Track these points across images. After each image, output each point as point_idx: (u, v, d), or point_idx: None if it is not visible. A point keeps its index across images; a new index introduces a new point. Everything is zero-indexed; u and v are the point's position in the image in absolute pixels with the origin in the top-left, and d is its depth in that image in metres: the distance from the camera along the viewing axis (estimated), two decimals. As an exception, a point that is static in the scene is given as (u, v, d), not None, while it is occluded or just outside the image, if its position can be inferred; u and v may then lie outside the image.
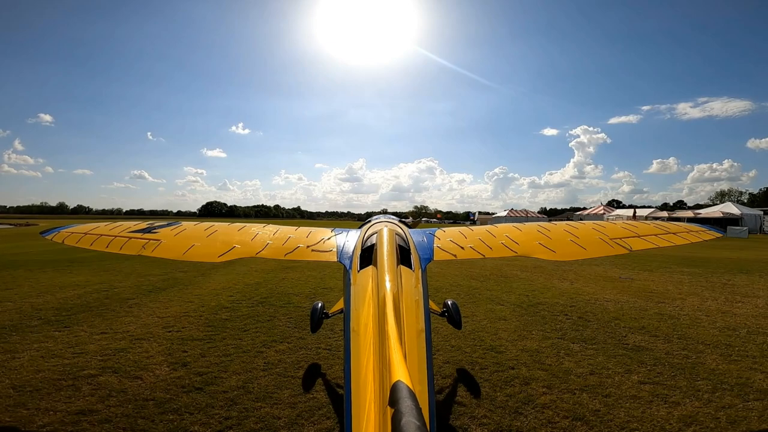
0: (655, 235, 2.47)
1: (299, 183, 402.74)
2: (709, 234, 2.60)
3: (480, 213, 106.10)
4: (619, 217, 55.38)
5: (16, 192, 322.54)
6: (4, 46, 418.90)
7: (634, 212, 49.66)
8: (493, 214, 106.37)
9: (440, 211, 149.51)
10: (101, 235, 2.46)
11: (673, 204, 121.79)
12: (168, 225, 2.61)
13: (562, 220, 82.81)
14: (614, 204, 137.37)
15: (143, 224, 2.63)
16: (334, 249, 2.27)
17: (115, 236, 2.43)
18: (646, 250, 2.35)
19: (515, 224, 2.64)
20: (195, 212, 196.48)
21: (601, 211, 61.58)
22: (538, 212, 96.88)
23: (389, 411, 0.84)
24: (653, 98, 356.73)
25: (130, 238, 2.40)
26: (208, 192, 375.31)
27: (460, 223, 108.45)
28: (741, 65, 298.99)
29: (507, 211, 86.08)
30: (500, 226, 2.60)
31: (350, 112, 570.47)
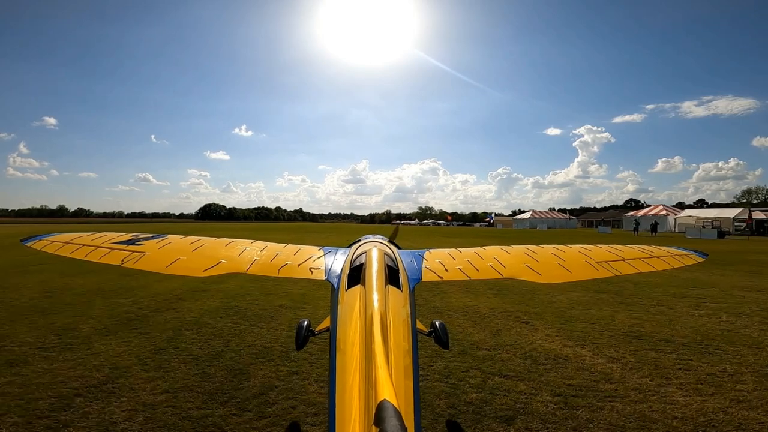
0: (640, 259, 2.42)
1: (302, 185, 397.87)
2: (693, 258, 2.54)
3: (496, 215, 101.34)
4: (690, 217, 48.28)
5: (21, 195, 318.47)
6: (8, 48, 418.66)
7: (750, 213, 40.05)
8: (512, 215, 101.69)
9: (448, 213, 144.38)
10: (83, 244, 2.35)
11: (694, 203, 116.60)
12: (153, 237, 2.49)
13: (596, 221, 76.93)
14: (631, 204, 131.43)
15: (128, 236, 2.50)
16: (322, 267, 2.20)
17: (98, 246, 2.33)
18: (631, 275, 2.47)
19: (504, 247, 2.54)
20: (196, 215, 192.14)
21: (663, 212, 52.52)
22: (558, 211, 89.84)
23: (374, 430, 0.84)
24: (657, 97, 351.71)
25: (113, 249, 2.30)
26: (212, 194, 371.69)
27: (469, 224, 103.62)
28: (745, 63, 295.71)
29: (530, 213, 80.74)
30: (489, 248, 2.54)
31: (352, 114, 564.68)
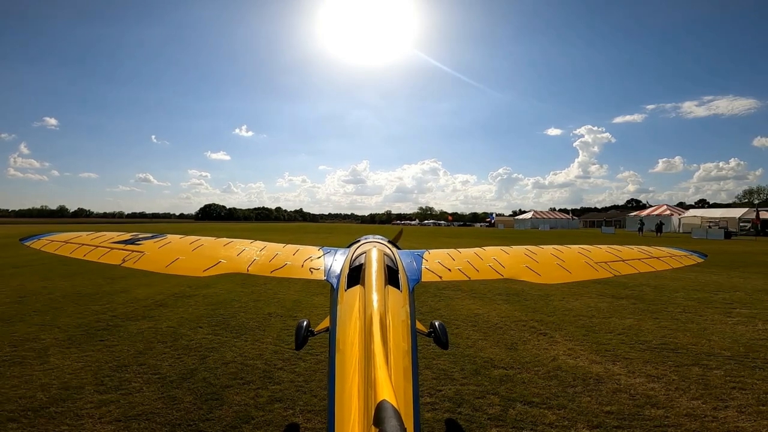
0: (639, 259, 2.41)
1: (303, 185, 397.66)
2: (692, 259, 2.50)
3: (497, 215, 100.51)
4: (695, 217, 47.16)
5: (22, 195, 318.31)
6: (8, 49, 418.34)
7: (758, 213, 37.23)
8: (512, 216, 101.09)
9: (449, 214, 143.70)
10: (82, 244, 2.33)
11: (696, 203, 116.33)
12: (152, 237, 2.46)
13: (597, 221, 75.57)
14: (633, 204, 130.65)
15: (127, 235, 2.47)
16: (322, 267, 2.17)
17: (96, 246, 2.30)
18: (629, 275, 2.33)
19: (503, 247, 2.52)
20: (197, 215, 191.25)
21: (667, 212, 51.26)
22: (559, 211, 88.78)
23: (374, 431, 0.83)
24: (658, 97, 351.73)
25: (112, 248, 2.27)
26: (213, 194, 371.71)
27: (470, 225, 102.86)
28: (746, 63, 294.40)
29: (532, 213, 80.00)
30: (488, 249, 2.51)
31: (353, 114, 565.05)
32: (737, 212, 44.97)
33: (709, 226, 40.78)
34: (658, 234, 37.60)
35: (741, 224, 42.57)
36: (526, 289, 8.31)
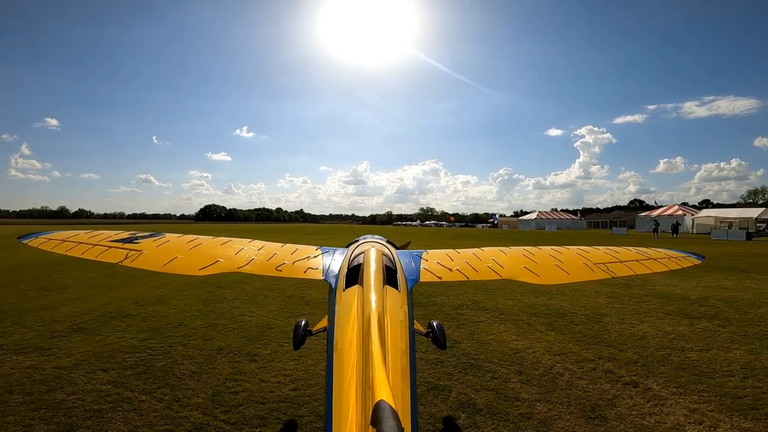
0: (637, 261, 2.41)
1: (304, 186, 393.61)
2: (690, 260, 2.50)
3: (500, 215, 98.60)
4: (709, 218, 45.17)
5: (23, 196, 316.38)
6: (8, 49, 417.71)
7: None
8: (514, 216, 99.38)
9: (450, 214, 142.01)
10: (79, 242, 2.31)
11: (699, 203, 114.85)
12: (150, 236, 2.47)
13: (601, 221, 73.29)
14: (636, 205, 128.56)
15: (125, 234, 2.48)
16: (320, 267, 2.16)
17: (94, 245, 2.28)
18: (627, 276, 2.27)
19: (502, 248, 2.51)
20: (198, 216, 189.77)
21: (680, 212, 48.92)
22: (562, 211, 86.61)
23: (372, 431, 0.83)
24: (658, 97, 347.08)
25: (110, 247, 2.24)
26: (214, 195, 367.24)
27: (471, 226, 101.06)
28: (747, 63, 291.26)
29: (536, 213, 77.94)
30: (486, 249, 2.51)
31: (353, 114, 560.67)
32: (754, 212, 42.94)
33: (729, 226, 38.80)
34: (674, 235, 35.59)
35: (758, 224, 40.67)
36: (567, 306, 6.47)
